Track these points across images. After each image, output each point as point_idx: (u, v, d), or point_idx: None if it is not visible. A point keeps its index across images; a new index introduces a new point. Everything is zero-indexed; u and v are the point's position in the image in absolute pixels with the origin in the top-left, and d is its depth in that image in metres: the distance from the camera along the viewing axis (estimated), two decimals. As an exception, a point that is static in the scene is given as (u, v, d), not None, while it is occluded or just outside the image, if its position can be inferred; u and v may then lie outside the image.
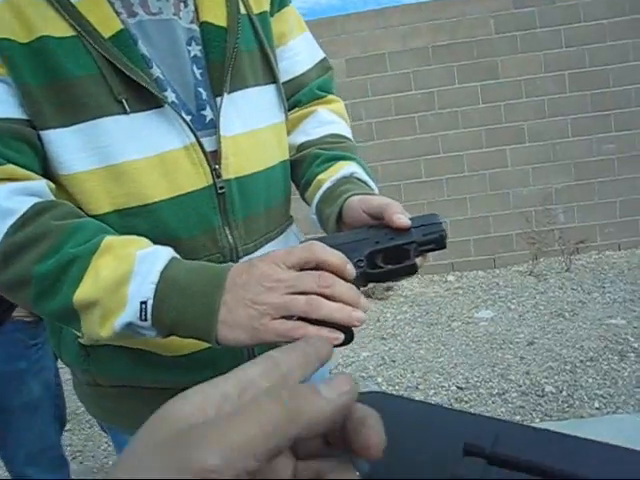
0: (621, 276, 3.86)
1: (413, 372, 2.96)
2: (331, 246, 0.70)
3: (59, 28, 0.72)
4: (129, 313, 0.68)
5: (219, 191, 0.81)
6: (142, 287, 0.67)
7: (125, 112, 0.75)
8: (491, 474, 0.64)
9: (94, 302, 0.69)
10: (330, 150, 0.95)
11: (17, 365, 1.50)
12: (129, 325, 0.69)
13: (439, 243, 0.75)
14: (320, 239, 0.76)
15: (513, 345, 3.11)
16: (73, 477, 2.46)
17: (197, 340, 0.70)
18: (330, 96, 1.03)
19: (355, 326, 0.64)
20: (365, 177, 0.92)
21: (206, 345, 0.83)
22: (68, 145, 0.74)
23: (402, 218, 0.74)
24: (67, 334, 0.89)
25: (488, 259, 4.23)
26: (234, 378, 0.32)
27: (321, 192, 0.90)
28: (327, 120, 1.00)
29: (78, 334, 0.85)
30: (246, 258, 0.83)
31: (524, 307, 3.57)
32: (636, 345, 2.94)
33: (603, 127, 4.12)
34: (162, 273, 0.68)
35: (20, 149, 0.73)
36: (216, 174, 0.81)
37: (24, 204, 0.71)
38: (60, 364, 3.49)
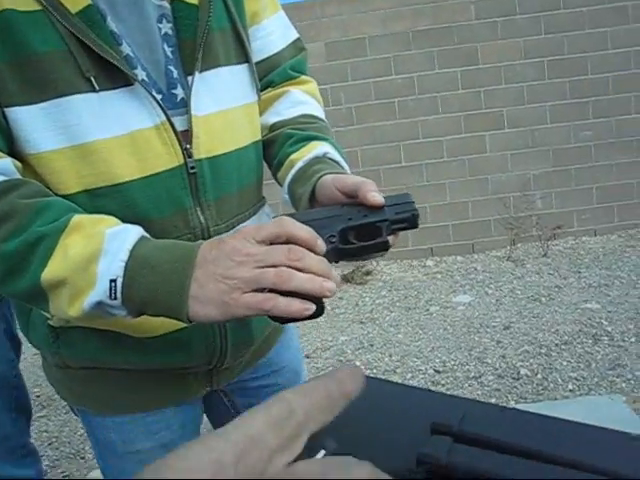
0: (596, 261, 3.91)
1: (391, 356, 2.99)
2: (303, 222, 0.70)
3: (24, 2, 0.70)
4: (98, 292, 0.67)
5: (190, 171, 0.80)
6: (112, 265, 0.67)
7: (94, 90, 0.73)
8: (458, 452, 0.65)
9: (63, 281, 0.68)
10: (303, 130, 0.95)
11: None
12: (99, 304, 0.68)
13: (411, 222, 0.76)
14: (292, 215, 0.76)
15: (490, 329, 3.15)
16: (46, 464, 2.45)
17: (168, 318, 0.70)
18: (303, 77, 1.03)
19: (326, 296, 0.65)
20: (338, 157, 0.92)
21: (177, 327, 0.82)
22: (35, 123, 0.72)
23: (376, 196, 0.75)
24: (36, 316, 0.88)
25: (466, 244, 4.26)
26: (237, 433, 0.27)
27: (293, 172, 0.90)
28: (300, 100, 0.99)
29: (48, 316, 0.84)
30: None
31: (501, 292, 3.61)
32: (609, 329, 2.98)
33: (581, 114, 4.15)
34: (132, 251, 0.67)
35: None
36: (187, 154, 0.80)
37: None
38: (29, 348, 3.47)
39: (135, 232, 0.70)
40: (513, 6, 4.06)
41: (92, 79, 0.73)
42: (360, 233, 0.76)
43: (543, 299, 3.45)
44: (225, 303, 0.64)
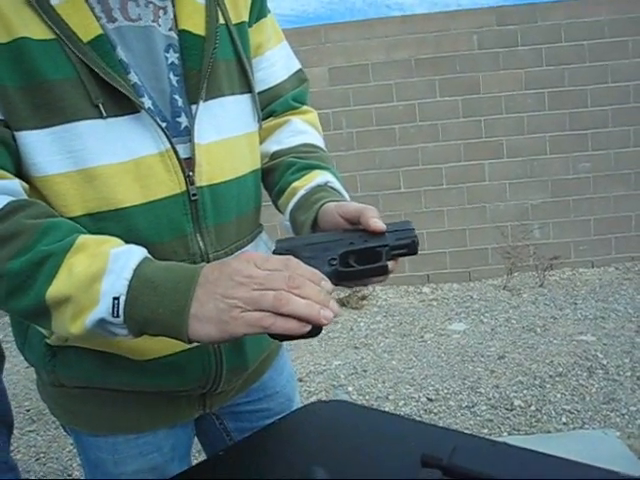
0: (593, 293, 3.91)
1: (384, 382, 2.97)
2: (306, 245, 0.74)
3: (38, 31, 0.72)
4: (101, 309, 0.67)
5: (192, 198, 0.82)
6: (116, 283, 0.67)
7: (101, 116, 0.75)
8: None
9: (67, 298, 0.68)
10: (304, 159, 0.96)
11: None
12: (101, 322, 0.68)
13: (411, 248, 0.79)
14: (295, 238, 0.79)
15: (484, 358, 3.13)
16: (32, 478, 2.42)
17: (169, 338, 0.69)
18: (304, 107, 1.04)
19: (323, 324, 0.65)
20: (339, 186, 0.94)
21: (173, 350, 0.83)
22: (42, 147, 0.74)
23: (378, 222, 0.78)
24: (33, 335, 0.88)
25: (463, 272, 4.26)
26: None
27: (296, 199, 0.91)
28: (301, 130, 1.01)
29: (46, 334, 0.84)
30: None
31: (497, 321, 3.60)
32: (604, 362, 2.97)
33: (580, 146, 4.19)
34: (135, 270, 0.68)
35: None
36: (189, 181, 0.81)
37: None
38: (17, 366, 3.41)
39: (139, 252, 0.71)
40: (515, 37, 4.12)
41: (100, 106, 0.74)
42: (361, 257, 0.78)
43: (538, 329, 3.44)
44: (224, 322, 0.64)
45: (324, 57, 4.12)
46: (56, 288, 0.68)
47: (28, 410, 2.97)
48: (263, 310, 0.64)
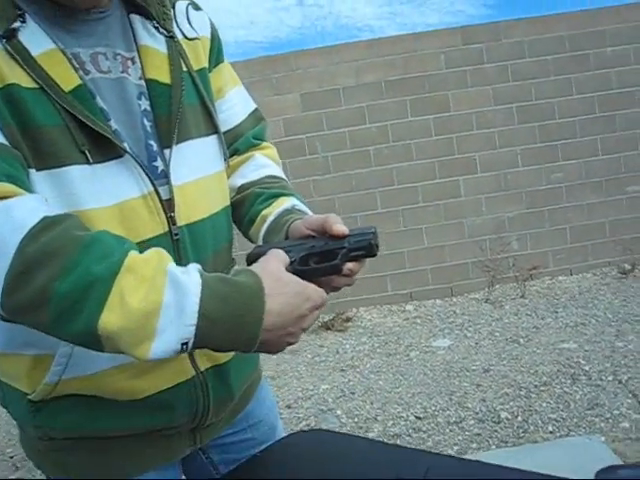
0: (572, 300, 3.97)
1: (372, 403, 2.98)
2: (273, 248, 0.83)
3: (24, 79, 0.75)
4: (165, 350, 0.70)
5: (174, 237, 0.86)
6: (180, 330, 0.69)
7: (88, 162, 0.78)
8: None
9: (120, 331, 0.68)
10: (270, 189, 1.03)
11: None
12: (166, 354, 0.71)
13: (368, 250, 0.85)
14: (266, 245, 0.89)
15: (470, 373, 3.17)
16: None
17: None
18: (264, 143, 1.11)
19: None
20: (305, 208, 1.01)
21: (161, 388, 0.87)
22: (43, 188, 0.76)
23: (340, 227, 0.85)
24: (13, 392, 0.88)
25: (445, 288, 4.31)
26: None
27: (266, 225, 0.98)
28: (263, 164, 1.08)
29: (26, 392, 0.85)
30: None
31: (480, 334, 3.64)
32: (587, 368, 3.02)
33: (551, 157, 4.28)
34: (199, 312, 0.70)
35: (20, 169, 0.74)
36: (172, 221, 0.85)
37: (34, 217, 0.70)
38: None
39: (194, 285, 0.71)
40: (481, 55, 4.22)
41: (86, 152, 0.78)
42: (321, 259, 0.85)
43: (522, 340, 3.48)
44: (284, 344, 0.79)
45: (295, 84, 4.18)
46: (108, 318, 0.67)
47: (11, 457, 2.92)
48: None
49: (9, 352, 0.86)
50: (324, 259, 0.84)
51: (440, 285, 4.30)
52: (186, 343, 0.70)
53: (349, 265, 0.84)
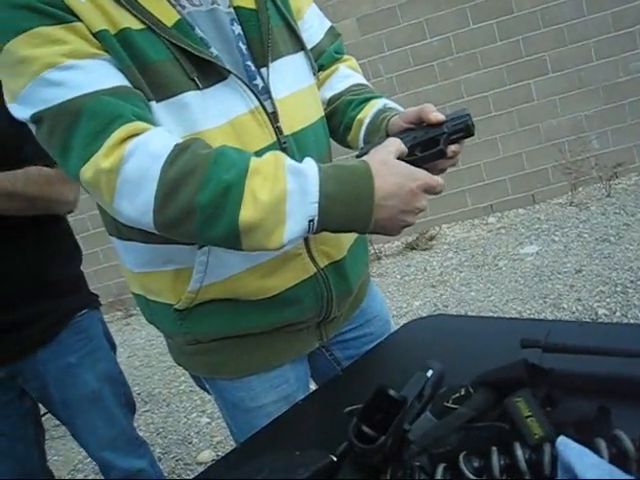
0: (664, 193, 3.82)
1: (466, 313, 3.03)
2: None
3: (132, 22, 0.83)
4: (297, 229, 0.80)
5: (283, 146, 0.93)
6: (305, 208, 0.79)
7: (198, 87, 0.86)
8: (547, 359, 0.72)
9: (257, 222, 0.79)
10: (359, 95, 1.09)
11: (66, 360, 1.51)
12: (296, 238, 0.82)
13: (466, 130, 0.91)
14: (372, 144, 0.94)
15: (562, 275, 3.15)
16: (158, 451, 2.63)
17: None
18: (345, 56, 1.18)
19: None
20: (396, 106, 1.06)
21: (290, 284, 0.96)
22: (164, 117, 0.85)
23: (436, 114, 0.91)
24: (159, 307, 1.00)
25: (526, 196, 4.23)
26: None
27: (364, 128, 1.04)
28: (348, 74, 1.14)
29: (172, 303, 0.96)
30: None
31: (568, 237, 3.59)
32: (686, 255, 2.93)
33: (628, 45, 4.04)
34: (320, 191, 0.79)
35: (143, 106, 0.83)
36: (279, 131, 0.93)
37: (167, 147, 0.80)
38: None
39: (312, 168, 0.81)
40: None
41: (195, 79, 0.86)
42: (425, 147, 0.91)
43: (612, 239, 3.41)
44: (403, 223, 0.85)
45: (352, 8, 4.10)
46: (246, 214, 0.78)
47: (139, 394, 3.19)
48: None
49: (153, 270, 0.97)
50: (427, 147, 0.90)
51: (521, 194, 4.22)
52: (312, 220, 0.79)
53: (452, 147, 0.91)
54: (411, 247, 4.01)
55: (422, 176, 0.84)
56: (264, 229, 0.79)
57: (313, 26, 1.12)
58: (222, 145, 0.83)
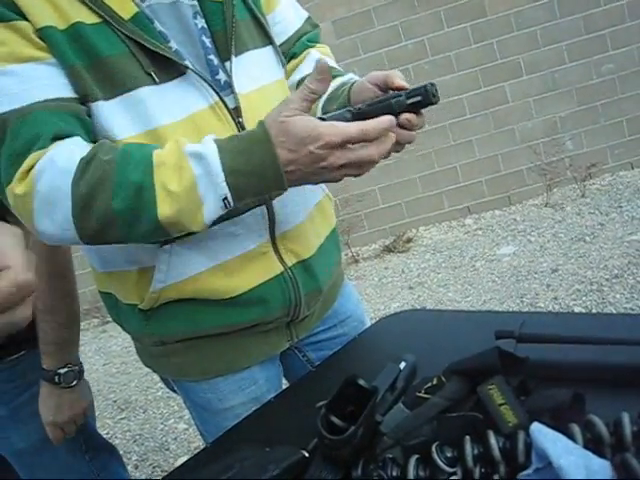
0: (637, 194, 3.86)
1: (444, 314, 3.03)
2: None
3: (87, 15, 0.81)
4: (213, 210, 0.78)
5: None
6: (216, 189, 0.77)
7: (155, 82, 0.84)
8: (522, 350, 0.71)
9: (176, 214, 0.77)
10: None
11: None
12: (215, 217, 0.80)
13: (424, 96, 0.82)
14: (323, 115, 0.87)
15: (538, 275, 3.16)
16: (135, 459, 2.57)
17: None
18: (319, 45, 1.15)
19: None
20: (363, 79, 1.00)
21: (254, 284, 0.94)
22: (114, 115, 0.83)
23: (401, 81, 0.87)
24: (125, 308, 0.98)
25: (502, 197, 4.26)
26: None
27: (323, 99, 1.00)
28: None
29: (136, 302, 0.94)
30: None
31: (544, 238, 3.61)
32: (659, 256, 2.97)
33: (599, 48, 4.09)
34: (223, 168, 0.76)
35: (69, 119, 0.81)
36: (241, 127, 0.91)
37: (72, 163, 0.78)
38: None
39: (211, 150, 0.78)
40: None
41: (152, 73, 0.84)
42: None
43: (587, 238, 3.44)
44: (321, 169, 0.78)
45: (326, 11, 4.10)
46: (163, 209, 0.77)
47: (115, 401, 3.15)
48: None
49: (116, 270, 0.95)
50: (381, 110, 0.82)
51: (497, 195, 4.24)
52: (225, 198, 0.77)
53: (406, 115, 0.82)
54: (389, 250, 4.01)
55: (323, 135, 0.74)
56: (184, 218, 0.78)
57: (287, 18, 1.10)
58: (124, 144, 0.82)
